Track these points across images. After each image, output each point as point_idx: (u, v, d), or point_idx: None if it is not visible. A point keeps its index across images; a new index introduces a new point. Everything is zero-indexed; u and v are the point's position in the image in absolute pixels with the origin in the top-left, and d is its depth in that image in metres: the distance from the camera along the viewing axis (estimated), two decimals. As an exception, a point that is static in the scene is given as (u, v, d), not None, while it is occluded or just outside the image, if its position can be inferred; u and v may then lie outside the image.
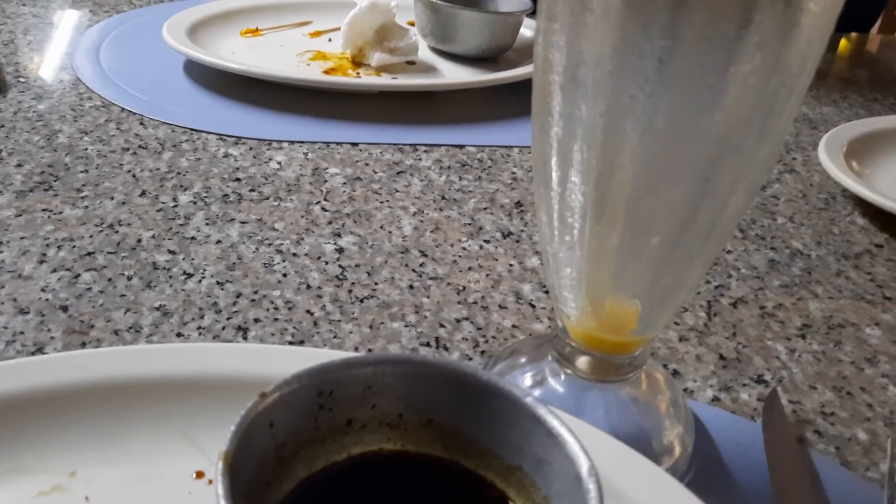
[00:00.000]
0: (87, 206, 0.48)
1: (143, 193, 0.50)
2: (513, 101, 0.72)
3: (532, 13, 0.78)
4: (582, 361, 0.34)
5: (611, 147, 0.27)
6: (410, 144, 0.61)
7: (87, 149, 0.55)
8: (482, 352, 0.41)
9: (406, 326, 0.42)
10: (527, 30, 0.80)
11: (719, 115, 0.25)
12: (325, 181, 0.55)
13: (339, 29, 0.76)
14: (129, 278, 0.42)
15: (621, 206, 0.28)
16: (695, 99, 0.25)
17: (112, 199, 0.49)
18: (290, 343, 0.39)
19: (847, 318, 0.48)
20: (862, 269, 0.53)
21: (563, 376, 0.35)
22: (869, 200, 0.58)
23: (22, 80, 0.64)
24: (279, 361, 0.33)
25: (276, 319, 0.41)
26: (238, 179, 0.53)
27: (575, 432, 0.26)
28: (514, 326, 0.43)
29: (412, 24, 0.77)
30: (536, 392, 0.35)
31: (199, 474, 0.30)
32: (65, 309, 0.39)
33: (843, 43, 1.10)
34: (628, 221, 0.28)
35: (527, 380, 0.36)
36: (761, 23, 0.23)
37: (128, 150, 0.55)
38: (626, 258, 0.29)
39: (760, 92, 0.25)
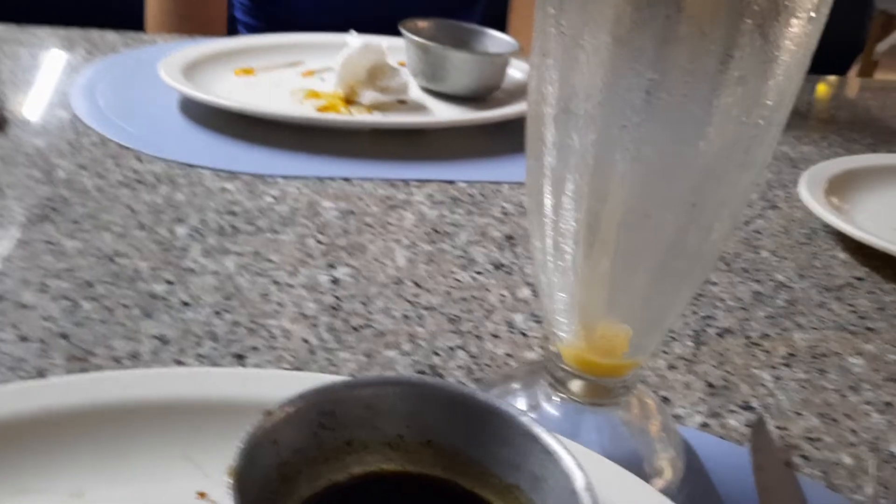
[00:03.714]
0: (86, 239, 0.49)
1: (140, 226, 0.51)
2: (501, 138, 0.73)
3: (518, 53, 0.81)
4: (575, 385, 0.35)
5: (601, 175, 0.28)
6: (402, 180, 0.63)
7: (85, 183, 0.56)
8: (476, 379, 0.42)
9: (401, 354, 0.43)
10: (515, 70, 0.83)
11: (704, 144, 0.26)
12: (320, 215, 0.56)
13: (330, 69, 0.78)
14: (128, 308, 0.43)
15: (612, 231, 0.29)
16: (681, 129, 0.26)
17: (110, 231, 0.50)
18: (287, 370, 0.40)
19: (830, 348, 0.49)
20: (844, 302, 0.54)
21: (556, 400, 0.36)
22: (849, 235, 0.60)
23: (20, 117, 0.65)
24: (278, 385, 0.34)
25: (273, 347, 0.41)
26: (234, 213, 0.54)
27: (570, 449, 0.27)
28: (507, 355, 0.44)
29: (403, 65, 0.79)
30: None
31: (202, 494, 0.31)
32: (65, 336, 0.40)
33: (821, 86, 1.13)
34: (619, 246, 0.30)
35: (521, 404, 0.37)
36: (741, 58, 0.25)
37: (125, 184, 0.56)
38: (617, 282, 0.31)
39: (742, 123, 0.26)
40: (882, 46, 3.38)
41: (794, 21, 0.24)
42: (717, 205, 0.28)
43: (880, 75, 3.50)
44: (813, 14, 0.24)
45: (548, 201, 0.30)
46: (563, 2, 0.27)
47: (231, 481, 0.24)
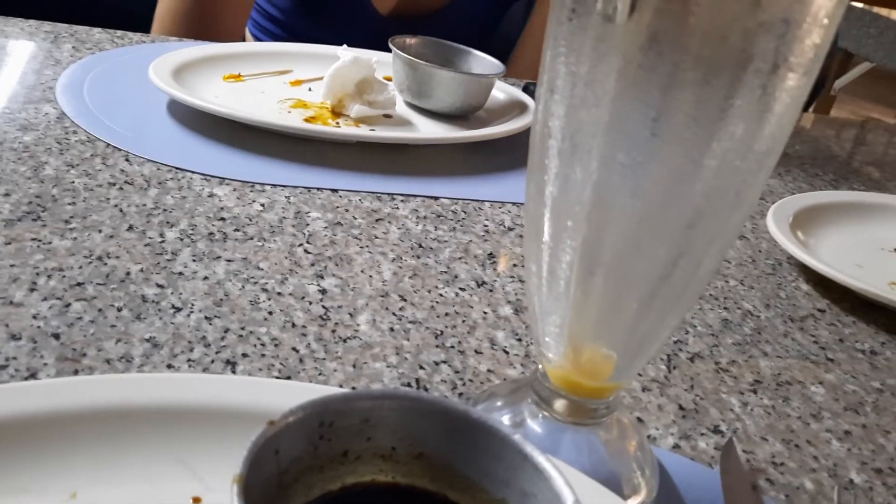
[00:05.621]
0: (75, 238, 0.49)
1: (130, 228, 0.51)
2: (484, 157, 0.75)
3: (503, 75, 0.82)
4: (559, 404, 0.36)
5: (601, 207, 0.30)
6: (388, 193, 0.64)
7: (73, 182, 0.56)
8: (460, 394, 0.43)
9: (388, 367, 0.44)
10: (498, 91, 0.84)
11: (700, 184, 0.28)
12: (307, 225, 0.57)
13: (318, 79, 0.79)
14: (119, 310, 0.43)
15: (607, 261, 0.31)
16: (679, 169, 0.28)
17: (100, 231, 0.50)
18: (277, 378, 0.41)
19: (794, 376, 0.51)
20: (807, 332, 0.57)
21: (540, 418, 0.37)
22: (813, 268, 0.62)
23: (6, 111, 0.65)
24: (272, 394, 0.35)
25: (263, 355, 0.42)
26: (223, 219, 0.55)
27: (560, 468, 0.28)
28: (489, 371, 0.45)
29: (389, 80, 0.80)
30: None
31: (196, 500, 0.31)
32: (56, 336, 0.40)
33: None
34: (612, 276, 0.31)
35: (506, 421, 0.38)
36: (741, 107, 0.26)
37: (114, 185, 0.57)
38: (607, 309, 0.32)
39: (736, 166, 0.28)
40: (840, 83, 3.50)
41: (790, 75, 0.26)
42: (707, 242, 0.30)
43: (836, 110, 3.61)
44: (809, 69, 0.26)
45: (546, 229, 0.32)
46: (574, 42, 0.28)
47: (237, 488, 0.25)
